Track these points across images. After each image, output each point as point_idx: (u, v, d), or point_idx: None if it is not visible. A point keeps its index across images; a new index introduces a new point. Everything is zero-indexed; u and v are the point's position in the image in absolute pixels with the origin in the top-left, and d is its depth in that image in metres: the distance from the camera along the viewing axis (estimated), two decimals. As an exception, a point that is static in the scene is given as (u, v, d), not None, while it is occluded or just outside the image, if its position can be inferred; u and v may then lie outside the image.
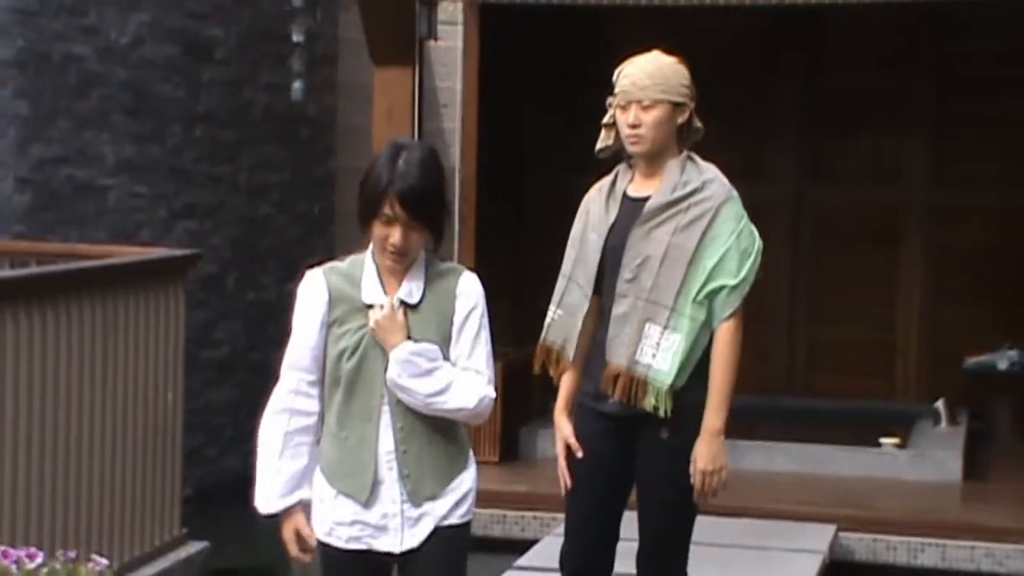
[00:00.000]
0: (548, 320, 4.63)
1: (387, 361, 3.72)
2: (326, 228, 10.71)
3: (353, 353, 3.75)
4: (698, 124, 4.52)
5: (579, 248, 4.56)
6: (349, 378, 3.76)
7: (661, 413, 4.36)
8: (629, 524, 4.60)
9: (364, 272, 3.79)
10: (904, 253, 9.99)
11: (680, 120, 4.45)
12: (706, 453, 4.37)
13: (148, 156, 8.82)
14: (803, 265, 10.08)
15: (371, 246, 3.77)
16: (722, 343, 4.37)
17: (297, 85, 10.17)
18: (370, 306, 3.75)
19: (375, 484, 3.77)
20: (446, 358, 3.77)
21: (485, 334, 3.81)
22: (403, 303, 3.75)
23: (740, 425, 8.11)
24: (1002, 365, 9.34)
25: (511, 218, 9.89)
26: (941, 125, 9.87)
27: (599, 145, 4.57)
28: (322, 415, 3.84)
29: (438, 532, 3.80)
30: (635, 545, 4.57)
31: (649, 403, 4.36)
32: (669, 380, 4.36)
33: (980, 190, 9.76)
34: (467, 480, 3.87)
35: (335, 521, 3.82)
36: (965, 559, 7.15)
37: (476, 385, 3.76)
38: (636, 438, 4.45)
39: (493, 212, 9.05)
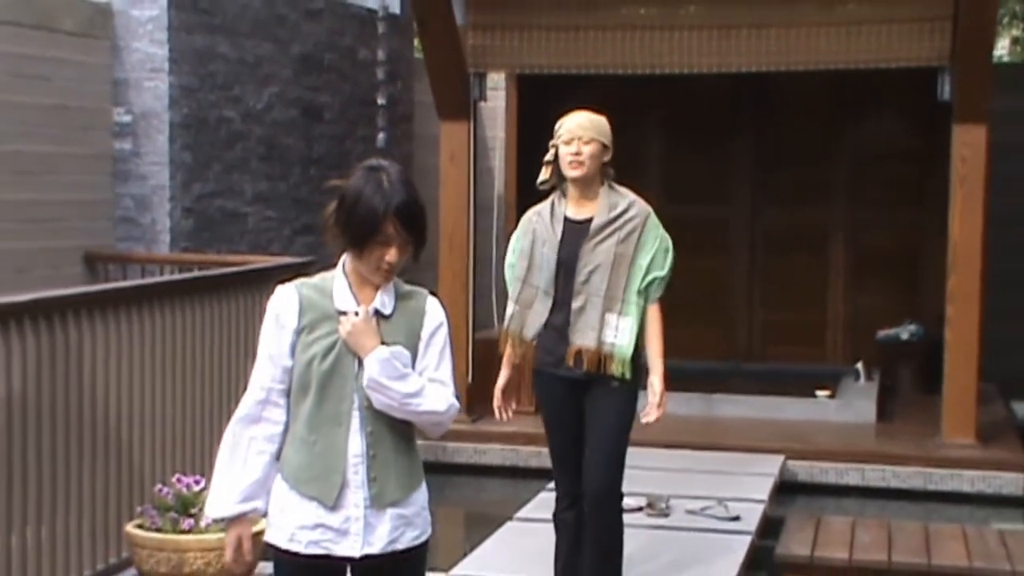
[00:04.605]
0: (509, 313, 4.57)
1: (358, 367, 2.91)
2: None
3: (325, 356, 2.92)
4: (611, 169, 4.51)
5: (531, 259, 4.51)
6: (320, 382, 2.92)
7: (626, 376, 4.38)
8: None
9: (335, 284, 2.98)
10: (831, 254, 9.93)
11: (605, 159, 4.46)
12: (663, 395, 4.42)
13: (276, 190, 8.86)
14: (757, 264, 10.02)
15: (341, 264, 3.00)
16: (654, 320, 4.43)
17: (383, 136, 10.18)
18: (343, 313, 2.93)
19: (342, 487, 2.92)
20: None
21: (449, 351, 3.03)
22: (377, 312, 2.95)
23: (711, 384, 8.19)
24: (904, 336, 9.29)
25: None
26: (858, 159, 9.82)
27: (541, 178, 4.53)
28: (287, 426, 2.99)
29: (396, 555, 2.97)
30: None
31: (617, 369, 4.37)
32: (629, 351, 4.39)
33: (887, 208, 9.70)
34: (421, 498, 3.04)
35: (298, 526, 2.94)
36: (878, 479, 7.14)
37: (444, 393, 2.98)
38: (589, 390, 4.44)
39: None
